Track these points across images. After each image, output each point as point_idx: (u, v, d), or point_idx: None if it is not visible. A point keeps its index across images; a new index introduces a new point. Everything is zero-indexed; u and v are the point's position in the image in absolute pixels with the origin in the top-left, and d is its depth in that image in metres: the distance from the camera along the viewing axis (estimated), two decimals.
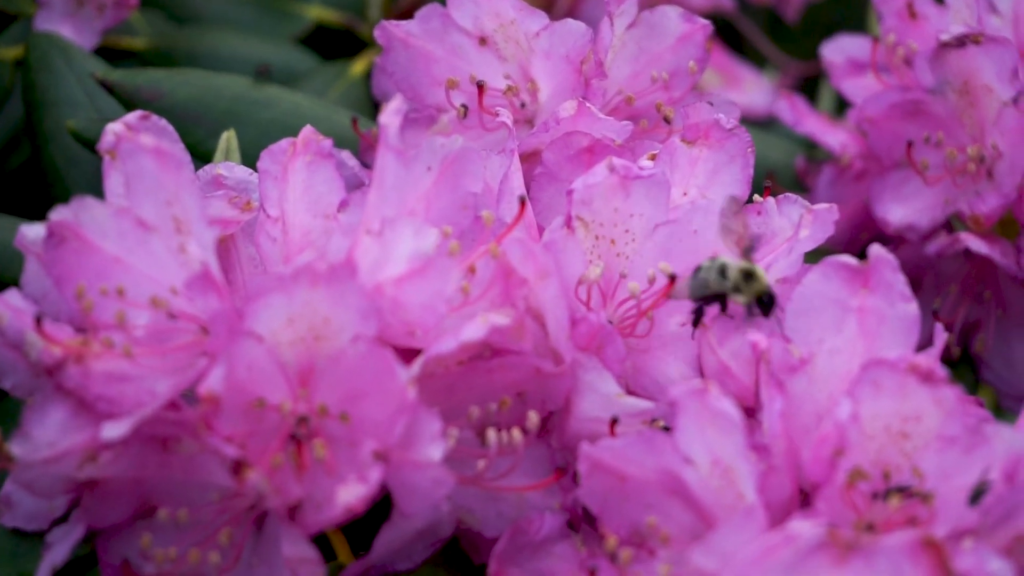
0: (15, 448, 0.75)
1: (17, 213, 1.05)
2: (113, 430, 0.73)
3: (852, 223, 1.16)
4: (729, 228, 0.85)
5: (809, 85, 1.63)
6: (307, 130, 0.87)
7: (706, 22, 0.99)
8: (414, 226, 0.77)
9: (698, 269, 0.85)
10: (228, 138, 1.02)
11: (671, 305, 0.86)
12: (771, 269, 0.87)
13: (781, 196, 0.90)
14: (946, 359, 1.04)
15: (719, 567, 0.72)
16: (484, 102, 0.96)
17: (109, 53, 1.25)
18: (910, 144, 1.06)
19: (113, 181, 0.81)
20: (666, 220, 0.86)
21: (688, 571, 0.74)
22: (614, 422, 0.80)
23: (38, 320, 0.76)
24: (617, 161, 0.85)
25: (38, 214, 0.84)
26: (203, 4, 1.37)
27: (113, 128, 0.81)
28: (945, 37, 1.02)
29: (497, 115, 0.93)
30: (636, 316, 0.85)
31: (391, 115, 0.80)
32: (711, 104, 0.94)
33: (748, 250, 0.85)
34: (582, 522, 0.82)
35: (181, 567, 0.78)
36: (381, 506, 0.77)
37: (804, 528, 0.70)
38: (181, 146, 0.81)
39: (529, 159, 0.93)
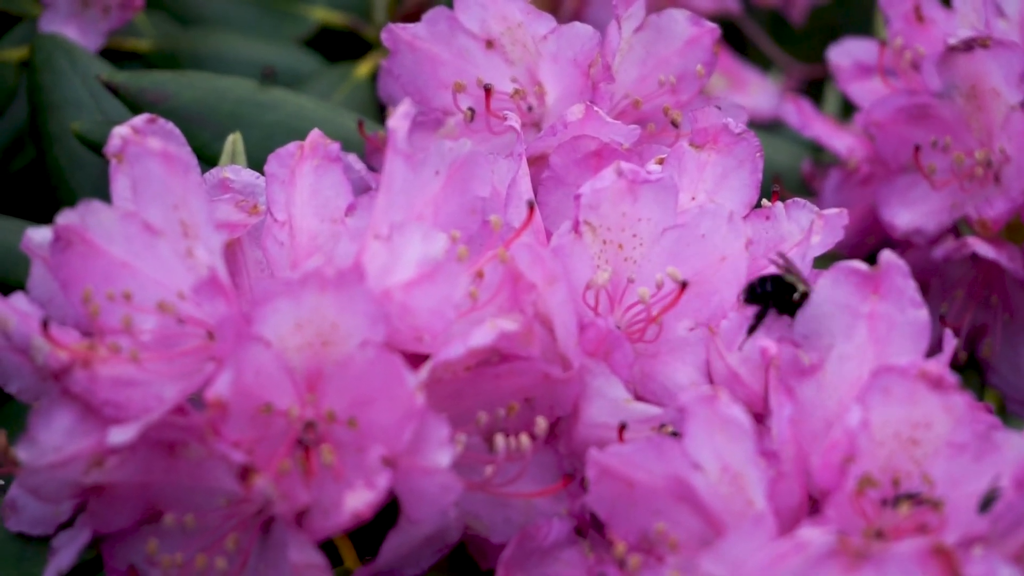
0: (21, 453, 0.74)
1: (21, 215, 1.05)
2: (120, 435, 0.72)
3: (859, 227, 1.15)
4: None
5: (813, 88, 1.62)
6: (315, 134, 0.86)
7: (714, 26, 0.99)
8: (422, 231, 0.77)
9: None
10: (234, 141, 1.02)
11: (680, 310, 0.85)
12: None
13: (790, 201, 0.90)
14: (953, 364, 1.04)
15: (728, 574, 0.71)
16: (491, 105, 0.96)
17: (114, 55, 1.25)
18: (917, 148, 1.06)
19: (120, 185, 0.80)
20: (674, 224, 0.86)
21: None
22: (622, 428, 0.80)
23: (44, 324, 0.76)
24: (625, 165, 0.85)
25: (42, 216, 0.83)
26: (208, 6, 1.37)
27: (120, 132, 0.80)
28: (952, 41, 1.02)
29: (504, 119, 0.93)
30: (645, 321, 0.85)
31: (400, 119, 0.79)
32: (719, 108, 0.93)
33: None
34: (590, 528, 0.82)
35: (187, 573, 0.78)
36: (388, 512, 0.77)
37: (814, 535, 0.70)
38: (188, 149, 0.81)
39: (536, 163, 0.93)
